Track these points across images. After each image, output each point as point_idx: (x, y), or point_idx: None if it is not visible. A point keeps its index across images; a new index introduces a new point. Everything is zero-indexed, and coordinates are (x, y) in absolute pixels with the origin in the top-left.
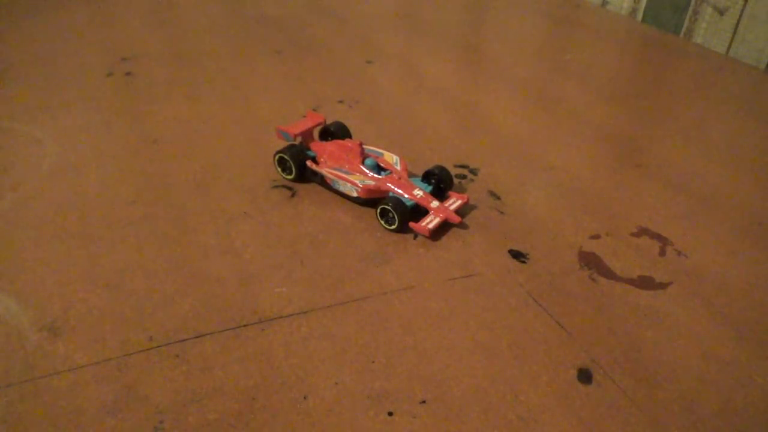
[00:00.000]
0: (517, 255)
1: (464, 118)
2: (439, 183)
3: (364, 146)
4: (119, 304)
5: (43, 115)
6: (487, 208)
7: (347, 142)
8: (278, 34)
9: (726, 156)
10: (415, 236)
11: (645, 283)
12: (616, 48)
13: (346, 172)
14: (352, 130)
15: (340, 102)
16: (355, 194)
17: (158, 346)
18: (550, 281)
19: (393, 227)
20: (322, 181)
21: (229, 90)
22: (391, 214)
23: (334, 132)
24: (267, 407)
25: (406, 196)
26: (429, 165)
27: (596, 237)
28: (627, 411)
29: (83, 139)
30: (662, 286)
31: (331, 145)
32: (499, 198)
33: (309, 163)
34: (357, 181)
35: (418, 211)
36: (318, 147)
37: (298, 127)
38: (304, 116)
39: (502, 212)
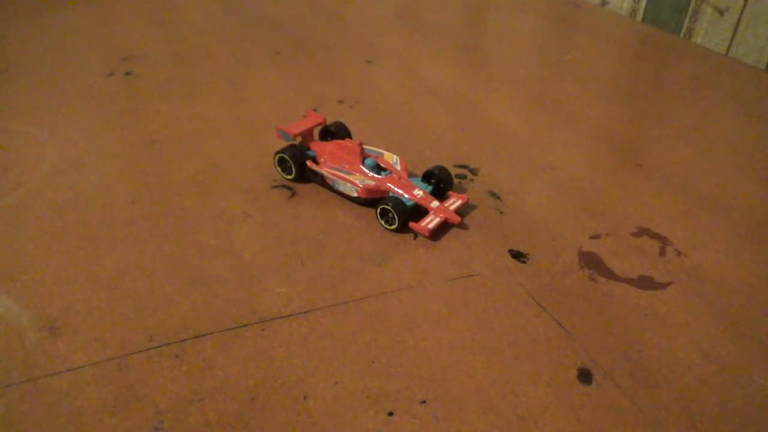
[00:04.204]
0: (517, 255)
1: (464, 118)
2: (439, 183)
3: (364, 146)
4: (119, 304)
5: (43, 115)
6: (487, 208)
7: (347, 142)
8: (278, 34)
9: (726, 156)
10: (415, 236)
11: (645, 283)
12: (616, 48)
13: (346, 172)
14: (352, 130)
15: (340, 102)
16: (355, 194)
17: (158, 346)
18: (550, 281)
19: (393, 227)
20: (322, 181)
21: (229, 90)
22: (391, 214)
23: (334, 132)
24: (267, 407)
25: (406, 196)
26: (429, 165)
27: (596, 237)
28: (627, 411)
29: (83, 139)
30: (662, 286)
31: (331, 145)
32: (499, 198)
33: (309, 163)
34: (357, 181)
35: (418, 211)
36: (318, 147)
37: (298, 127)
38: (304, 116)
39: (502, 212)
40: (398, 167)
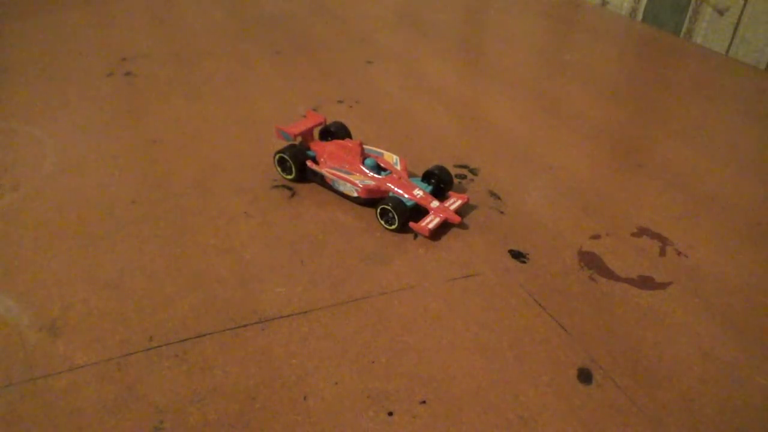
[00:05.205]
0: (517, 255)
1: (464, 118)
2: (439, 183)
3: (364, 146)
4: (119, 304)
5: (43, 115)
6: (487, 208)
7: (347, 142)
8: (278, 34)
9: (726, 156)
10: (415, 236)
11: (645, 283)
12: (616, 48)
13: (346, 172)
14: (352, 130)
15: (340, 102)
16: (355, 194)
17: (158, 346)
18: (550, 281)
19: (393, 227)
20: (322, 181)
21: (229, 90)
22: (391, 214)
23: (334, 132)
24: (267, 407)
25: (406, 196)
26: (429, 165)
27: (596, 237)
28: (627, 411)
29: (83, 139)
30: (662, 286)
31: (331, 145)
32: (499, 198)
33: (309, 163)
34: (357, 181)
35: (418, 211)
36: (318, 147)
37: (298, 127)
38: (304, 116)
39: (502, 212)
40: (398, 167)
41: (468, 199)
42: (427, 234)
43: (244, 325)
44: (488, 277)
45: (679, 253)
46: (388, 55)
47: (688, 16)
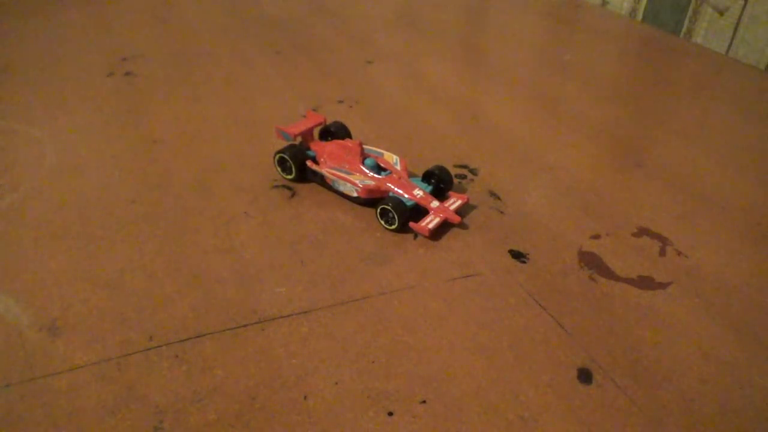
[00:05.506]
0: (517, 255)
1: (464, 118)
2: (439, 183)
3: (364, 146)
4: (119, 304)
5: (43, 115)
6: (487, 208)
7: (347, 142)
8: (278, 34)
9: (726, 156)
10: (415, 236)
11: (645, 283)
12: (616, 48)
13: (346, 172)
14: (352, 130)
15: (340, 102)
16: (355, 194)
17: (158, 346)
18: (550, 281)
19: (393, 227)
20: (322, 181)
21: (229, 90)
22: (391, 214)
23: (334, 132)
24: (267, 407)
25: (406, 196)
26: (429, 165)
27: (596, 237)
28: (627, 411)
29: (83, 139)
30: (662, 286)
31: (331, 145)
32: (499, 198)
33: (309, 163)
34: (357, 181)
35: (418, 211)
36: (318, 147)
37: (298, 127)
38: (304, 116)
39: (502, 212)
40: (398, 167)
41: (468, 199)
42: (427, 234)
43: (244, 325)
44: (488, 277)
45: (679, 253)
46: (388, 55)
47: (688, 16)
